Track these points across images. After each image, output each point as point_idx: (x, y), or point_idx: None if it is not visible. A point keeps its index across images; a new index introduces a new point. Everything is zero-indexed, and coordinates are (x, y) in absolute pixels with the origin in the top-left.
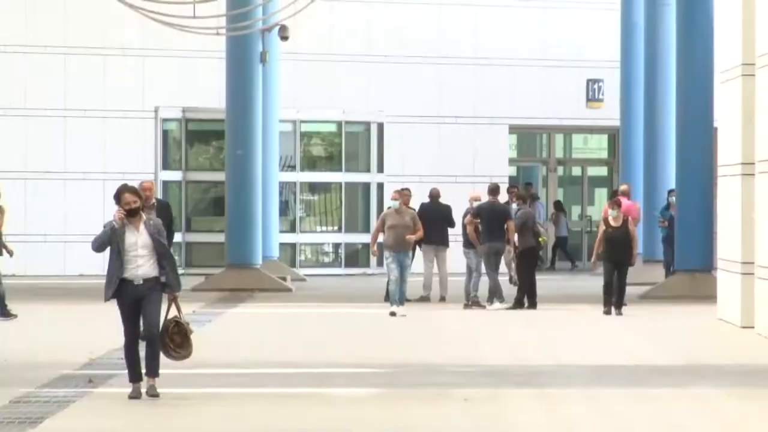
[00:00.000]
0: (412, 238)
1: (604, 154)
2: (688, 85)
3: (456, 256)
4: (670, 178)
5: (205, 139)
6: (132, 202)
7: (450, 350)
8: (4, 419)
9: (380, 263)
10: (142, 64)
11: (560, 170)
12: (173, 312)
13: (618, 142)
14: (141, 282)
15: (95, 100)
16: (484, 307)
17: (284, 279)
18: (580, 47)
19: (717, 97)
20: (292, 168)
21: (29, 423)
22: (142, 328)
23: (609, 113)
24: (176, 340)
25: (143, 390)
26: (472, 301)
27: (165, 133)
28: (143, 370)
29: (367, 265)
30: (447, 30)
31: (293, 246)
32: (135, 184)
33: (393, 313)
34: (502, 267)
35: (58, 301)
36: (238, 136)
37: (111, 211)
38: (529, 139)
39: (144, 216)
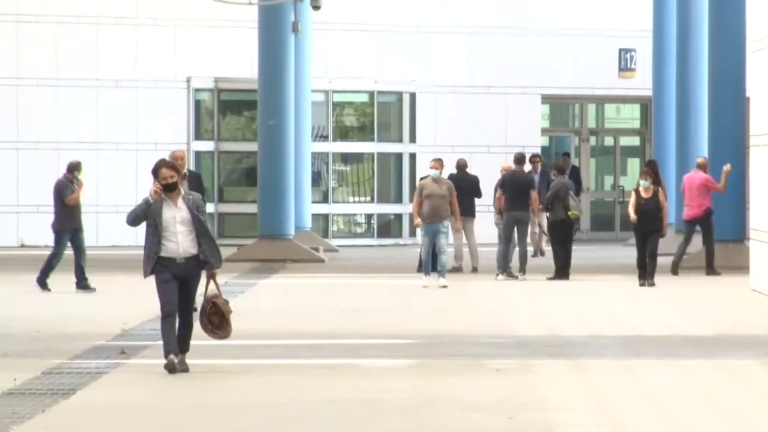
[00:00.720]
0: (459, 228)
1: (637, 124)
2: (721, 54)
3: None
4: (702, 147)
5: (238, 109)
6: (169, 177)
7: (482, 321)
8: (36, 390)
9: (413, 235)
10: (174, 34)
11: (593, 140)
12: (211, 289)
13: (650, 112)
14: (183, 261)
15: (127, 70)
16: (516, 277)
17: (317, 250)
18: (612, 16)
19: (749, 65)
20: (325, 138)
21: (61, 394)
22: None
23: (641, 83)
24: (214, 321)
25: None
26: (501, 271)
27: (197, 103)
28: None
29: (399, 235)
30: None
31: (326, 217)
32: (167, 154)
33: (425, 286)
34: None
35: (90, 272)
36: (270, 106)
37: (143, 183)
38: (561, 109)
39: (183, 191)
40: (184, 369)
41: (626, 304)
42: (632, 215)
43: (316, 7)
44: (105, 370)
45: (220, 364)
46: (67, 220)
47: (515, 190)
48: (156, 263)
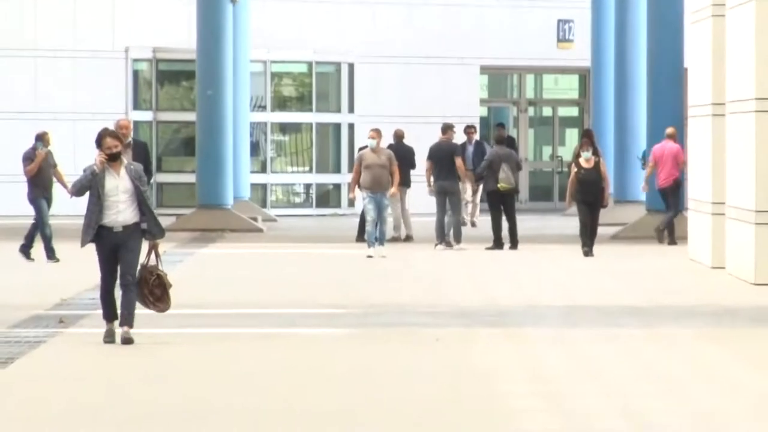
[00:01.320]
0: (395, 193)
1: (575, 95)
2: (659, 25)
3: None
4: (640, 119)
5: (176, 80)
6: (113, 147)
7: (421, 291)
8: None
9: (352, 205)
10: (112, 4)
11: (531, 111)
12: (152, 261)
13: (589, 82)
14: (121, 229)
15: (65, 40)
16: (451, 246)
17: (255, 219)
18: None
19: (687, 37)
20: (263, 108)
21: (0, 363)
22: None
23: (580, 54)
24: (156, 293)
25: (117, 333)
26: (438, 241)
27: (135, 73)
28: (117, 320)
29: (338, 205)
30: None
31: (264, 186)
32: (105, 124)
33: (370, 256)
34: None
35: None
36: (208, 77)
37: (81, 152)
38: (499, 79)
39: (125, 160)
40: (128, 339)
41: (564, 274)
42: (568, 193)
43: None
44: (44, 339)
45: (159, 333)
46: (37, 190)
47: (440, 159)
48: (96, 234)
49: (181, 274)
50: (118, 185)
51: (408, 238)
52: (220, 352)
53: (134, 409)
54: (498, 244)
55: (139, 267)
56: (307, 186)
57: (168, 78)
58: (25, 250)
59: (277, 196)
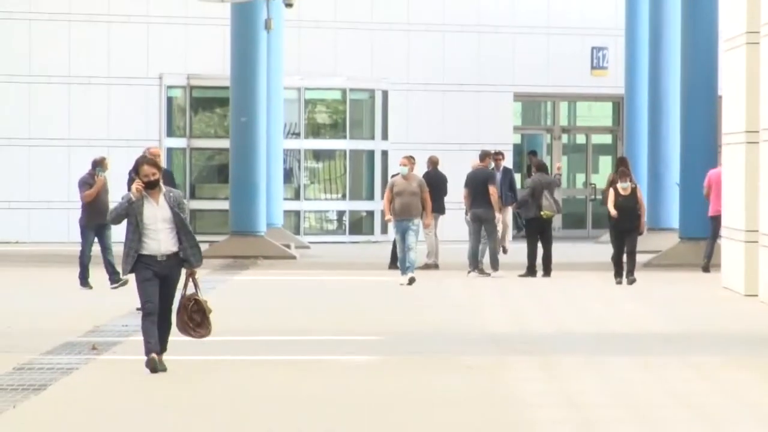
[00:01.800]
0: (428, 223)
1: (609, 122)
2: (693, 53)
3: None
4: (674, 146)
5: (210, 106)
6: (151, 174)
7: (454, 317)
8: (8, 386)
9: (385, 232)
10: (146, 31)
11: (564, 138)
12: (191, 288)
13: (622, 110)
14: (164, 258)
15: (99, 67)
16: (488, 274)
17: (288, 247)
18: (584, 14)
19: (721, 65)
20: (297, 135)
21: (33, 390)
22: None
23: (613, 81)
24: (196, 318)
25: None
26: (471, 268)
27: (169, 100)
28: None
29: (371, 232)
30: None
31: (297, 213)
32: (139, 151)
33: (403, 284)
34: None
35: (61, 267)
36: (242, 104)
37: (115, 179)
38: (533, 106)
39: (164, 188)
40: (163, 368)
41: (597, 301)
42: (612, 211)
43: (288, 5)
44: (76, 366)
45: (192, 360)
46: (91, 216)
47: (475, 187)
48: (136, 261)
49: (214, 302)
50: (157, 213)
51: (435, 266)
52: (255, 379)
53: None
54: (532, 271)
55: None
56: (341, 213)
57: (202, 105)
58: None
59: (311, 223)
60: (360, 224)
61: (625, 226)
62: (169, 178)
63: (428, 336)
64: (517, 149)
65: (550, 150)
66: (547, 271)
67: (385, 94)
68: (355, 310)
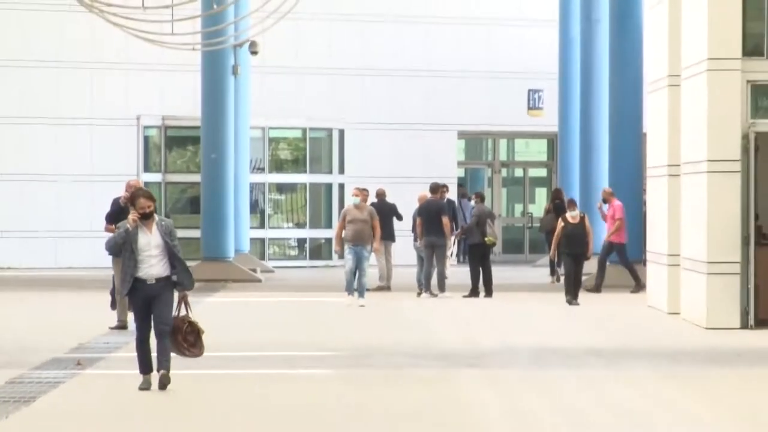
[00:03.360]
0: (377, 248)
1: (544, 157)
2: (620, 94)
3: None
4: (603, 179)
5: (183, 144)
6: (146, 207)
7: (406, 335)
8: (0, 398)
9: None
10: (125, 77)
11: (504, 172)
12: (183, 310)
13: (556, 146)
14: (154, 281)
15: (83, 109)
16: (435, 295)
17: (254, 271)
18: (522, 60)
19: (646, 105)
20: (262, 170)
21: (23, 402)
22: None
23: (548, 120)
24: (189, 339)
25: (153, 382)
26: (424, 290)
27: (146, 138)
28: (152, 372)
29: (330, 258)
30: (401, 44)
31: (263, 241)
32: (120, 185)
33: (349, 305)
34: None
35: (49, 290)
36: (212, 141)
37: (98, 211)
38: (475, 143)
39: (156, 218)
40: (165, 383)
41: (535, 319)
42: (553, 246)
43: (254, 53)
44: (63, 380)
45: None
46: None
47: (429, 217)
48: (133, 286)
49: None
50: (150, 241)
51: (386, 288)
52: (224, 392)
53: None
54: (475, 292)
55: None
56: (302, 240)
57: (176, 143)
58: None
59: (275, 250)
60: (319, 250)
61: (574, 251)
62: None
63: (383, 351)
64: (462, 182)
65: (490, 183)
66: (488, 292)
67: (341, 132)
68: (315, 328)
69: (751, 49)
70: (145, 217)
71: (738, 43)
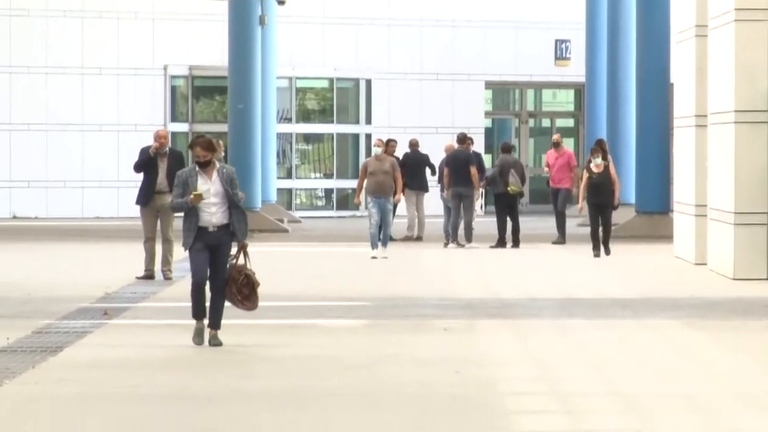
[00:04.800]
0: (398, 199)
1: (571, 108)
2: (647, 44)
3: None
4: (630, 129)
5: (210, 94)
6: (202, 156)
7: (431, 285)
8: (27, 348)
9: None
10: (152, 26)
11: (531, 122)
12: (241, 260)
13: (584, 96)
14: (215, 229)
15: (110, 59)
16: (462, 245)
17: (281, 221)
18: (548, 10)
19: (673, 55)
20: (288, 120)
21: (50, 352)
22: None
23: (575, 70)
24: (244, 291)
25: (206, 336)
26: (451, 240)
27: (173, 88)
28: (206, 318)
29: (356, 208)
30: None
31: (290, 191)
32: (146, 135)
33: (374, 257)
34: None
35: (76, 240)
36: (239, 92)
37: (124, 160)
38: (502, 94)
39: (218, 164)
40: (217, 344)
41: (561, 270)
42: (581, 197)
43: (281, 2)
44: (89, 329)
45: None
46: None
47: (457, 167)
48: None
49: None
50: (210, 188)
51: (418, 239)
52: (253, 341)
53: (164, 391)
54: (502, 242)
55: (228, 266)
56: (329, 191)
57: (203, 93)
58: None
59: (301, 200)
60: (346, 200)
61: (600, 201)
62: (179, 159)
63: (408, 302)
64: (488, 132)
65: (518, 133)
66: (515, 243)
67: (368, 82)
68: (342, 278)
69: None
70: (203, 165)
71: None
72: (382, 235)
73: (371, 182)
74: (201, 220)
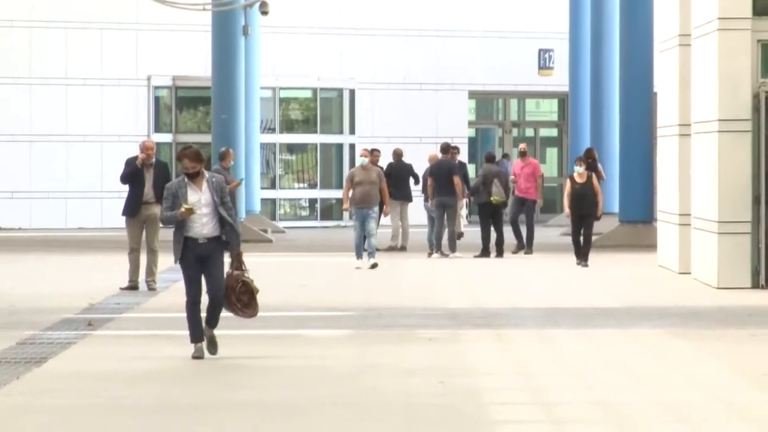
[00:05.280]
0: (387, 210)
1: (555, 117)
2: (630, 54)
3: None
4: (614, 138)
5: (193, 105)
6: (191, 167)
7: (415, 295)
8: (11, 359)
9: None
10: (135, 37)
11: (515, 132)
12: (236, 269)
13: (567, 105)
14: (205, 240)
15: (94, 69)
16: (446, 255)
17: (265, 231)
18: (532, 19)
19: (657, 64)
20: (272, 130)
21: (34, 362)
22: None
23: (559, 80)
24: (243, 299)
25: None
26: (435, 250)
27: (157, 99)
28: (204, 341)
29: (340, 218)
30: (412, 4)
31: (273, 201)
32: (130, 146)
33: (358, 267)
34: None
35: (60, 251)
36: (222, 102)
37: (108, 171)
38: (486, 103)
39: (206, 174)
40: (213, 344)
41: (545, 279)
42: (566, 204)
43: (264, 13)
44: (74, 340)
45: (176, 335)
46: None
47: (440, 177)
48: (183, 245)
49: None
50: (201, 199)
51: (402, 248)
52: (237, 352)
53: (149, 402)
54: (486, 252)
55: (224, 275)
56: (312, 201)
57: (186, 103)
58: None
59: (285, 210)
60: (330, 210)
61: (582, 211)
62: (164, 170)
63: (392, 311)
64: (472, 142)
65: (501, 143)
66: (500, 252)
67: (352, 92)
68: (326, 288)
69: (761, 8)
70: (192, 177)
71: (748, 3)
72: (367, 244)
73: (357, 192)
74: (191, 231)
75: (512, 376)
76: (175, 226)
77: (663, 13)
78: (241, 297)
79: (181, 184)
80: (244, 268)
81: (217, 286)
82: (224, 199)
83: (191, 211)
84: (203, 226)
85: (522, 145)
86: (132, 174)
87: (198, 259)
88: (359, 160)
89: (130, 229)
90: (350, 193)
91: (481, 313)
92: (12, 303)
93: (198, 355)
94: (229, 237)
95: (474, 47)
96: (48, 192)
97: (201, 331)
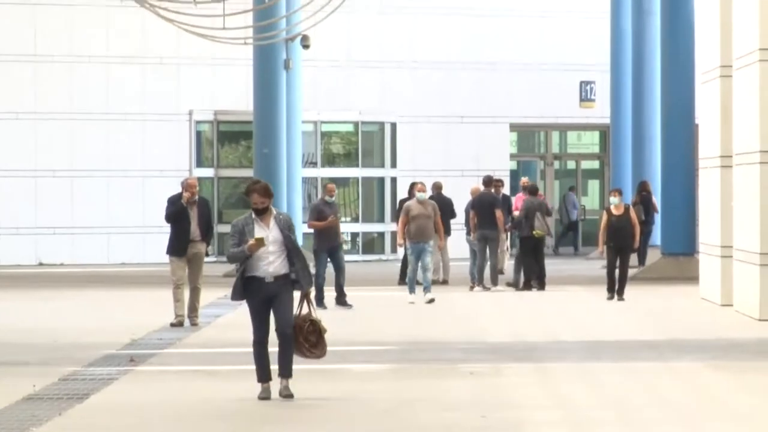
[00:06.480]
0: (442, 244)
1: (596, 149)
2: (672, 85)
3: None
4: (656, 170)
5: (235, 139)
6: (260, 203)
7: (457, 328)
8: (54, 395)
9: (394, 251)
10: (177, 72)
11: (556, 164)
12: (305, 309)
13: (608, 138)
14: (272, 279)
15: (135, 104)
16: (488, 288)
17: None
18: (573, 52)
19: (698, 96)
20: (314, 164)
21: (76, 399)
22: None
23: (600, 112)
24: (311, 339)
25: (274, 389)
26: (477, 283)
27: (198, 133)
28: (271, 380)
29: (382, 252)
30: (453, 37)
31: None
32: (172, 181)
33: (412, 302)
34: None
35: (101, 287)
36: (264, 136)
37: (150, 206)
38: (528, 136)
39: (274, 211)
40: (288, 395)
41: (587, 312)
42: (600, 240)
43: (305, 46)
44: (116, 376)
45: (220, 370)
46: (322, 240)
47: (482, 209)
48: (247, 286)
49: (237, 317)
50: (268, 236)
51: (444, 282)
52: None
53: None
54: (527, 285)
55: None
56: (354, 234)
57: (228, 138)
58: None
59: None
60: (372, 244)
61: (619, 244)
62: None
63: (434, 345)
64: (514, 175)
65: (543, 175)
66: (541, 285)
67: (393, 126)
68: (368, 321)
69: None
70: (260, 213)
71: None
72: (423, 279)
73: (413, 226)
74: (258, 270)
75: (554, 410)
76: (240, 264)
77: (704, 45)
78: (309, 337)
79: (248, 221)
80: (312, 308)
81: (286, 324)
82: (293, 237)
83: (261, 242)
84: (270, 264)
85: (524, 180)
86: (177, 213)
87: (265, 299)
88: (418, 195)
89: (174, 266)
90: (405, 228)
91: (523, 346)
92: (54, 339)
93: (265, 396)
94: (300, 276)
95: (515, 79)
96: (90, 228)
97: (269, 370)
